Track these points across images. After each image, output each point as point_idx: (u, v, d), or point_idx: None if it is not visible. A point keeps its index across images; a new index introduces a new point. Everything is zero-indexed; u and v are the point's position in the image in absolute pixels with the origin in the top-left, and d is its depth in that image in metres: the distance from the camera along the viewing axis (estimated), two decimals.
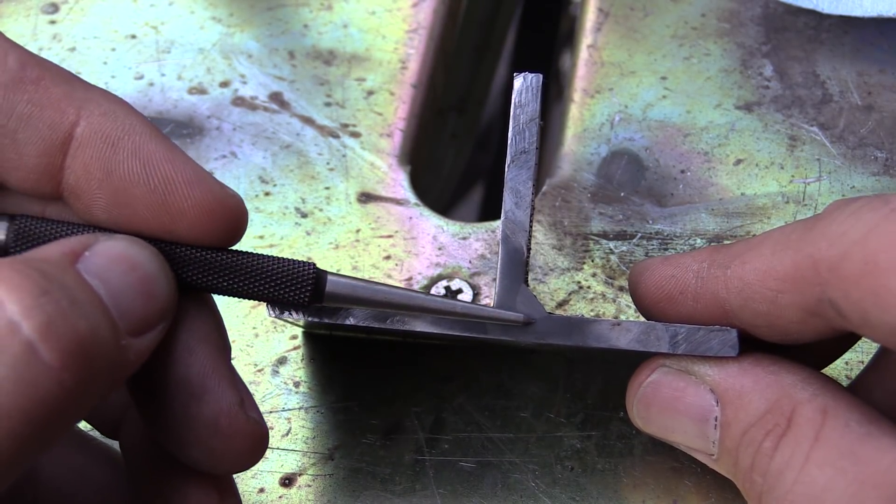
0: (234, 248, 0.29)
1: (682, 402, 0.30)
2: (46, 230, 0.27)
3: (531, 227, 0.32)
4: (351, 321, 0.30)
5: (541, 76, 0.32)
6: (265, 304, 0.30)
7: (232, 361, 0.38)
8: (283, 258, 0.29)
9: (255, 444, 0.28)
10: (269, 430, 0.36)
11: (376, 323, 0.30)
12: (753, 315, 0.29)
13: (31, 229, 0.27)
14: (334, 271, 0.30)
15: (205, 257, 0.28)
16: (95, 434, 0.34)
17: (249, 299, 0.29)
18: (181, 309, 0.27)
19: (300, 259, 0.29)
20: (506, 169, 0.32)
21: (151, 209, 0.27)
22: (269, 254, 0.29)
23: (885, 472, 0.25)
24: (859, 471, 0.26)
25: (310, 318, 0.30)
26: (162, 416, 0.27)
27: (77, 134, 0.27)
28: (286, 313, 0.30)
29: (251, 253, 0.29)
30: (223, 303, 0.39)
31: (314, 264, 0.29)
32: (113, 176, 0.27)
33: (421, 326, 0.31)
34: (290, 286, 0.29)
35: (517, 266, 0.31)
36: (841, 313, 0.26)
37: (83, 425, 0.34)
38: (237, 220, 0.28)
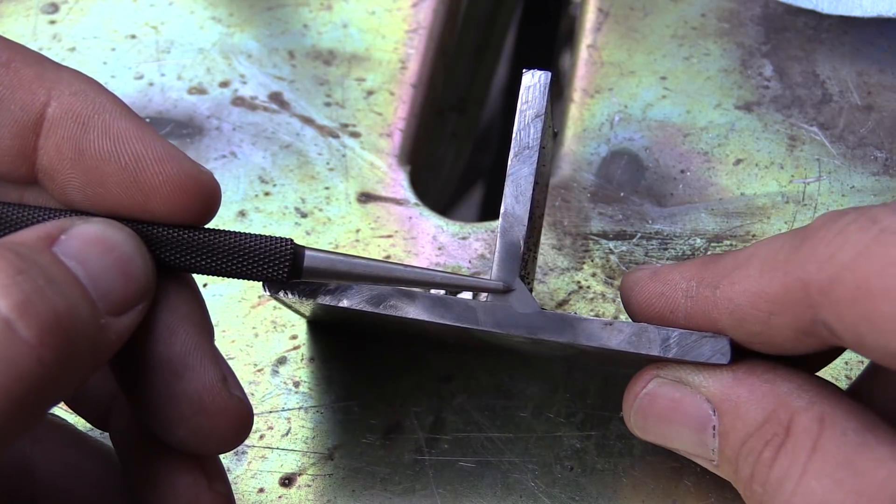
0: (212, 227, 0.29)
1: (679, 413, 0.30)
2: (23, 216, 0.27)
3: (537, 229, 0.32)
4: (345, 303, 0.30)
5: (549, 74, 0.32)
6: (262, 283, 0.30)
7: (231, 361, 0.38)
8: (260, 235, 0.29)
9: (239, 421, 0.28)
10: (269, 430, 0.36)
11: (370, 307, 0.30)
12: (748, 334, 0.29)
13: (6, 215, 0.27)
14: (312, 246, 0.30)
15: (181, 236, 0.28)
16: (90, 431, 0.34)
17: (228, 277, 0.29)
18: (161, 289, 0.27)
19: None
20: (508, 163, 0.32)
21: (124, 187, 0.27)
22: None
23: (882, 483, 0.25)
24: (856, 482, 0.26)
25: (303, 298, 0.30)
26: (146, 396, 0.27)
27: (48, 115, 0.27)
28: (281, 293, 0.30)
29: (228, 231, 0.29)
30: (222, 303, 0.39)
31: (291, 240, 0.29)
32: (85, 155, 0.27)
33: (414, 313, 0.30)
34: (269, 263, 0.29)
35: (513, 260, 0.31)
36: (835, 334, 0.26)
37: (77, 422, 0.34)
38: (210, 195, 0.28)
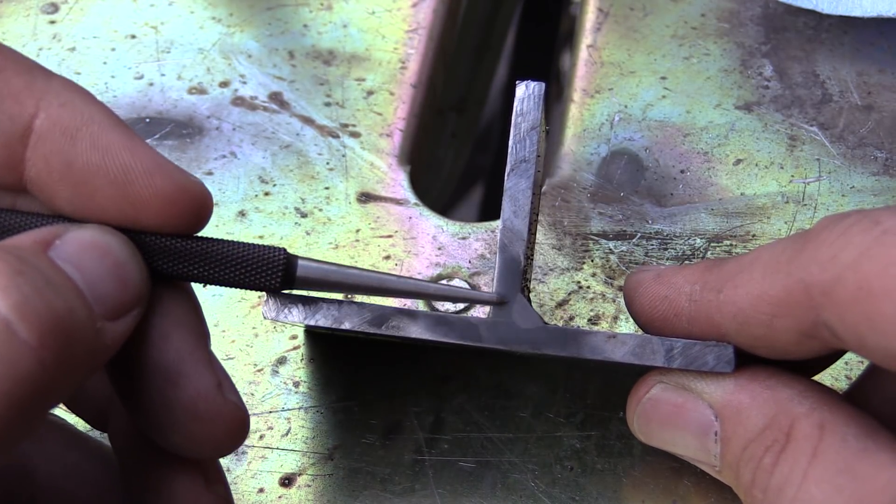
0: (204, 235, 0.29)
1: (681, 418, 0.30)
2: (16, 222, 0.27)
3: (532, 235, 0.32)
4: (346, 326, 0.30)
5: (543, 84, 0.32)
6: (262, 307, 0.30)
7: (231, 361, 0.38)
8: (253, 244, 0.29)
9: (235, 426, 0.27)
10: (269, 430, 0.36)
11: (372, 329, 0.30)
12: (751, 338, 0.29)
13: (0, 221, 0.27)
14: (306, 256, 0.30)
15: (173, 245, 0.28)
16: (89, 431, 0.34)
17: (221, 286, 0.29)
18: (156, 296, 0.27)
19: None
20: (505, 177, 0.31)
21: (113, 200, 0.27)
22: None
23: (882, 489, 0.25)
24: (856, 488, 0.26)
25: (305, 322, 0.30)
26: (142, 402, 0.27)
27: (36, 126, 0.27)
28: (282, 315, 0.30)
29: (221, 240, 0.29)
30: (222, 303, 0.39)
31: (284, 249, 0.29)
32: (73, 168, 0.26)
33: (416, 332, 0.30)
34: (261, 272, 0.29)
35: (514, 275, 0.31)
36: (836, 336, 0.26)
37: (77, 422, 0.34)
38: (200, 205, 0.28)
